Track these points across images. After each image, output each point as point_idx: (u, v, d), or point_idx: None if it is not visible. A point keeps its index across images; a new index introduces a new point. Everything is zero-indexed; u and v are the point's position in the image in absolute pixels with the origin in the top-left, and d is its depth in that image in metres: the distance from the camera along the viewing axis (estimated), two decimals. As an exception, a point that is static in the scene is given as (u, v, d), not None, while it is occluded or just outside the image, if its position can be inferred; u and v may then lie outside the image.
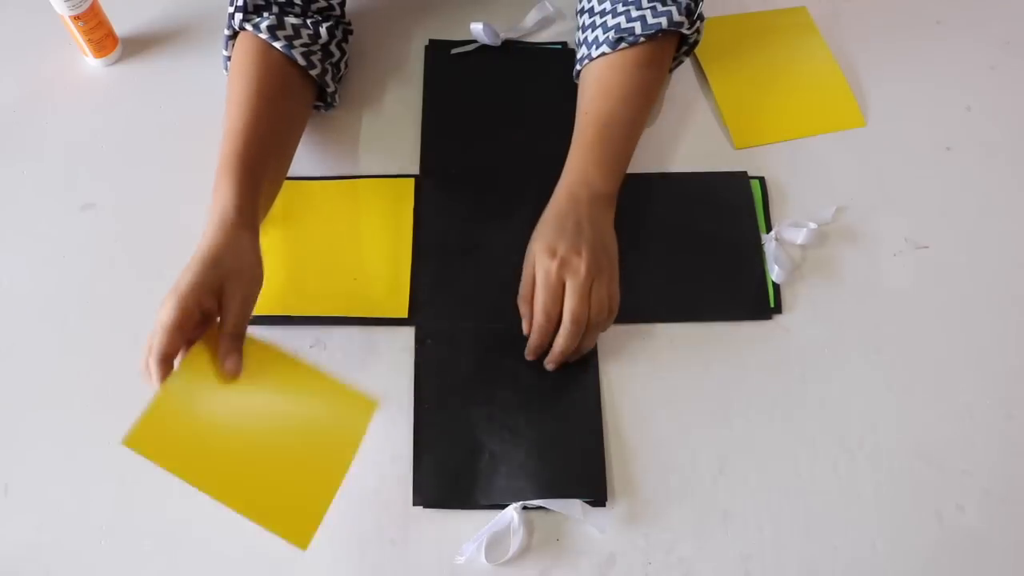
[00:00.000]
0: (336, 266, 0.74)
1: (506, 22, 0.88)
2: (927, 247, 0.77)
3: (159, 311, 0.58)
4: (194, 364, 0.60)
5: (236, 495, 0.57)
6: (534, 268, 0.66)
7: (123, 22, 0.87)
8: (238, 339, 0.61)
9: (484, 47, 0.86)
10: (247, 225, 0.64)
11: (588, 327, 0.66)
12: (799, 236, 0.75)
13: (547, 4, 0.88)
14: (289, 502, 0.58)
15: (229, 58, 0.74)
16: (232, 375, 0.60)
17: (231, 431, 0.59)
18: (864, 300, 0.74)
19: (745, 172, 0.79)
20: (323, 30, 0.75)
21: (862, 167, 0.81)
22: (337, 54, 0.78)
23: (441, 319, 0.71)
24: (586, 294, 0.65)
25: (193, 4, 0.90)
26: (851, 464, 0.66)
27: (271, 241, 0.75)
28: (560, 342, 0.66)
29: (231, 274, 0.62)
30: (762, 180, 0.79)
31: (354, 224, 0.76)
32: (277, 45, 0.71)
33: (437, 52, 0.86)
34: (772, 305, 0.73)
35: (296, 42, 0.72)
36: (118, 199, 0.78)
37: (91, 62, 0.85)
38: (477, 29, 0.85)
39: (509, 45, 0.87)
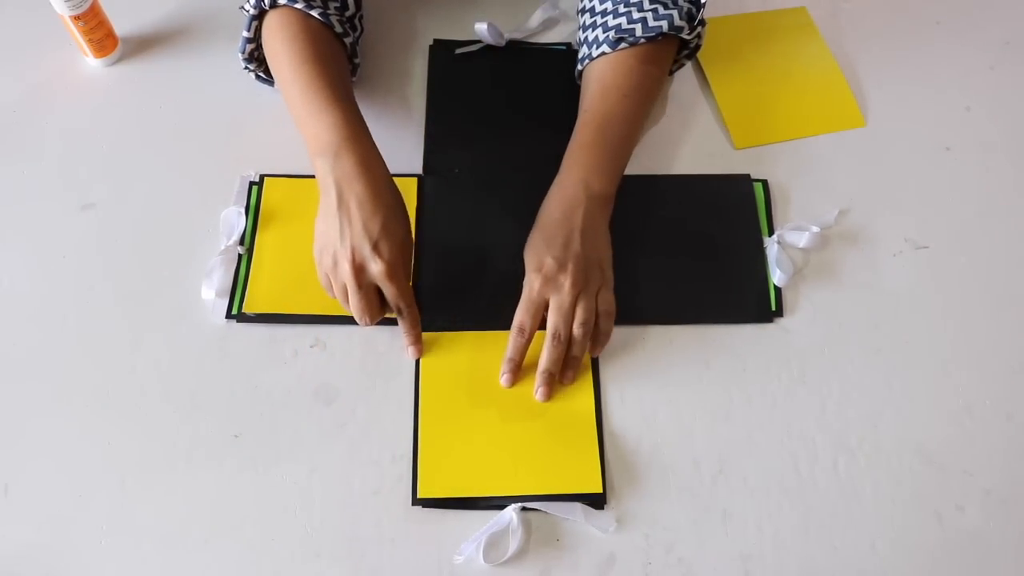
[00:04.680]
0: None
1: (510, 22, 0.88)
2: (927, 247, 0.77)
3: (375, 263, 0.63)
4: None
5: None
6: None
7: (123, 22, 0.87)
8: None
9: (488, 47, 0.86)
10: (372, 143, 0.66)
11: (572, 342, 0.67)
12: (801, 240, 0.75)
13: (551, 5, 0.88)
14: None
15: (250, 40, 0.75)
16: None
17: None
18: (864, 301, 0.74)
19: (748, 175, 0.79)
20: (351, 1, 0.76)
21: (862, 167, 0.81)
22: (359, 28, 0.79)
23: (441, 319, 0.71)
24: (568, 310, 0.66)
25: (193, 4, 0.90)
26: (851, 464, 0.66)
27: (271, 240, 0.75)
28: (541, 360, 0.67)
29: (402, 207, 0.66)
30: (765, 183, 0.79)
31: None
32: (314, 13, 0.71)
33: (441, 52, 0.86)
34: (773, 308, 0.73)
35: (329, 12, 0.73)
36: (118, 199, 0.78)
37: (91, 62, 0.85)
38: (481, 29, 0.85)
39: (513, 45, 0.87)
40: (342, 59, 0.75)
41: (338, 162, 0.64)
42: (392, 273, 0.63)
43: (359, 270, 0.63)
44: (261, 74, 0.79)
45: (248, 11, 0.73)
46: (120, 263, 0.74)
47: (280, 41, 0.71)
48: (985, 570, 0.63)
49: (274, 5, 0.72)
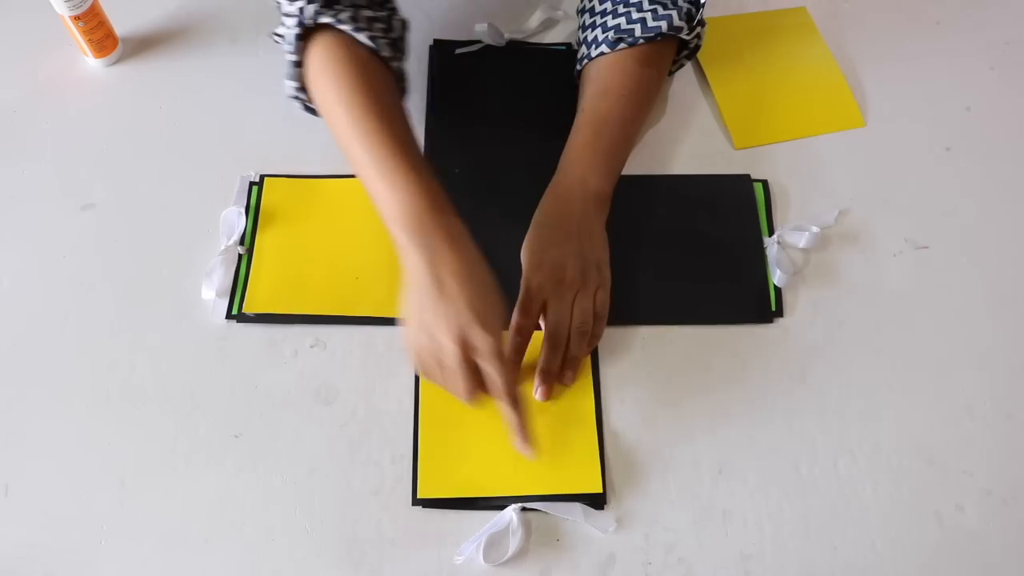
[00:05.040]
0: (337, 265, 0.74)
1: (510, 23, 0.88)
2: (927, 247, 0.77)
3: (483, 340, 0.58)
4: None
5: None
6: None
7: (123, 22, 0.86)
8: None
9: (488, 47, 0.86)
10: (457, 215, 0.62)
11: (569, 340, 0.66)
12: (801, 240, 0.75)
13: (552, 5, 0.88)
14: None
15: (297, 63, 0.68)
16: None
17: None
18: (864, 301, 0.74)
19: (748, 175, 0.79)
20: (396, 23, 0.72)
21: (862, 167, 0.81)
22: (404, 51, 0.74)
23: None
24: (566, 310, 0.66)
25: (193, 4, 0.90)
26: (851, 464, 0.66)
27: (271, 240, 0.75)
28: (540, 360, 0.67)
29: (494, 281, 0.62)
30: (765, 183, 0.79)
31: (356, 223, 0.76)
32: (362, 37, 0.66)
33: (441, 52, 0.86)
34: (773, 308, 0.73)
35: (376, 35, 0.68)
36: (118, 199, 0.78)
37: (91, 62, 0.85)
38: (481, 29, 0.85)
39: (513, 45, 0.87)
40: (397, 97, 0.70)
41: (425, 236, 0.60)
42: (499, 351, 0.58)
43: (464, 348, 0.58)
44: (310, 105, 0.71)
45: (284, 37, 0.68)
46: (120, 263, 0.74)
47: (328, 79, 0.66)
48: (985, 570, 0.63)
49: (319, 20, 0.65)
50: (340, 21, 0.66)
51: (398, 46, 0.72)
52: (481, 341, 0.58)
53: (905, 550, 0.63)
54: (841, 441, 0.67)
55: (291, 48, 0.67)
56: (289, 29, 0.67)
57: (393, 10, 0.73)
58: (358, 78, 0.65)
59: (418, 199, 0.61)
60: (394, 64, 0.70)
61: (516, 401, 0.60)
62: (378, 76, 0.68)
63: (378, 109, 0.65)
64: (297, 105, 0.72)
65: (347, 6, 0.67)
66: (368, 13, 0.69)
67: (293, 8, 0.66)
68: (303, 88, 0.70)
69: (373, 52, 0.67)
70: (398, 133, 0.64)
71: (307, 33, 0.67)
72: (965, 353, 0.72)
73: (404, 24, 0.73)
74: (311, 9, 0.65)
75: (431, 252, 0.60)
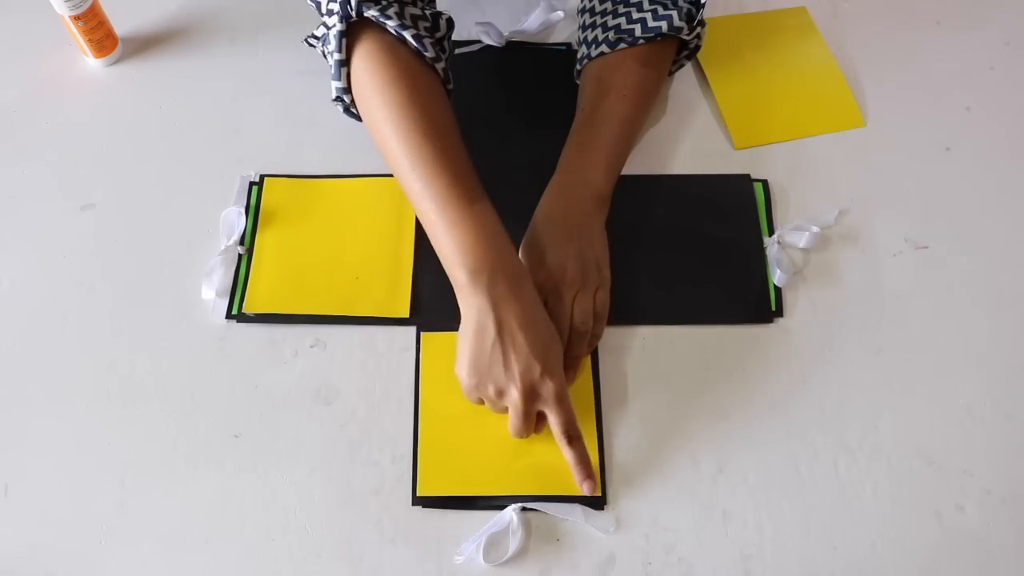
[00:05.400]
0: (337, 265, 0.74)
1: (510, 22, 0.88)
2: (927, 247, 0.77)
3: (546, 386, 0.60)
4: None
5: None
6: None
7: (123, 22, 0.87)
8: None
9: (488, 47, 0.86)
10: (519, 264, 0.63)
11: (569, 340, 0.66)
12: (801, 240, 0.75)
13: (551, 5, 0.88)
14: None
15: (343, 62, 0.66)
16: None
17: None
18: (864, 301, 0.74)
19: (748, 175, 0.79)
20: (442, 22, 0.70)
21: (862, 167, 0.81)
22: (448, 50, 0.72)
23: (442, 319, 0.71)
24: (564, 310, 0.66)
25: (193, 4, 0.90)
26: (851, 464, 0.66)
27: (271, 240, 0.75)
28: None
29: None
30: (765, 183, 0.79)
31: (356, 223, 0.76)
32: (406, 35, 0.64)
33: (439, 52, 0.86)
34: (773, 308, 0.73)
35: (421, 34, 0.66)
36: (118, 199, 0.78)
37: (91, 62, 0.85)
38: (481, 29, 0.84)
39: (513, 45, 0.87)
40: (446, 106, 0.68)
41: (494, 282, 0.60)
42: (562, 395, 0.61)
43: (530, 396, 0.60)
44: (353, 109, 0.70)
45: (325, 36, 0.66)
46: (120, 263, 0.74)
47: (374, 87, 0.64)
48: (985, 570, 0.63)
49: (362, 14, 0.63)
50: (387, 16, 0.64)
51: (443, 45, 0.71)
52: (546, 389, 0.60)
53: (905, 550, 0.63)
54: (841, 441, 0.67)
55: (334, 47, 0.65)
56: (332, 27, 0.65)
57: (437, 10, 0.71)
58: (405, 89, 0.64)
59: (481, 242, 0.61)
60: (439, 65, 0.68)
61: (576, 439, 0.62)
62: (425, 84, 0.66)
63: (431, 130, 0.63)
64: (339, 108, 0.71)
65: (393, 1, 0.66)
66: (414, 11, 0.67)
67: (335, 5, 0.64)
68: (348, 89, 0.68)
69: (418, 53, 0.66)
70: (453, 159, 0.63)
71: (350, 29, 0.65)
72: (965, 353, 0.71)
73: (450, 23, 0.71)
74: (355, 0, 0.63)
75: (494, 299, 0.60)
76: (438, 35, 0.70)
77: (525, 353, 0.60)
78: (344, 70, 0.67)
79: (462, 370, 0.62)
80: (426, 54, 0.66)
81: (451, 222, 0.62)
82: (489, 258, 0.61)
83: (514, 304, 0.60)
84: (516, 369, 0.60)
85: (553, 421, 0.62)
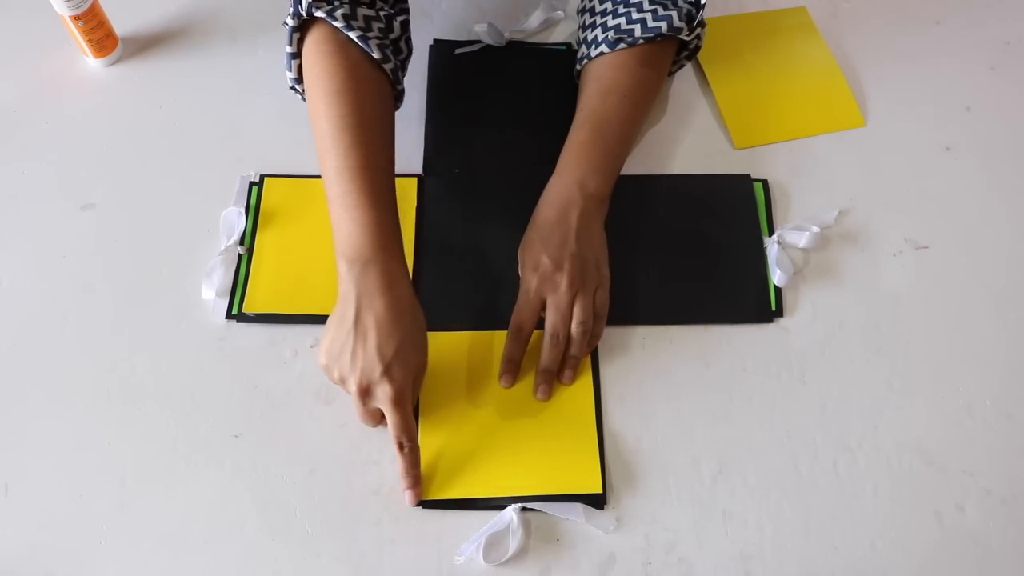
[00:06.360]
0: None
1: (510, 22, 0.88)
2: (927, 247, 0.77)
3: (382, 389, 0.61)
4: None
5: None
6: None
7: (123, 22, 0.87)
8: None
9: (488, 47, 0.86)
10: (402, 259, 0.64)
11: (570, 341, 0.67)
12: (801, 239, 0.75)
13: (551, 5, 0.88)
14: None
15: (294, 55, 0.70)
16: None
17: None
18: (864, 301, 0.74)
19: (748, 175, 0.79)
20: (396, 23, 0.72)
21: (862, 167, 0.81)
22: (404, 51, 0.74)
23: (442, 319, 0.71)
24: (566, 309, 0.66)
25: (193, 4, 0.90)
26: (851, 464, 0.66)
27: (271, 240, 0.75)
28: (540, 359, 0.67)
29: (422, 331, 0.64)
30: (765, 183, 0.79)
31: (354, 224, 0.76)
32: (353, 35, 0.67)
33: (441, 52, 0.86)
34: (773, 308, 0.73)
35: (370, 34, 0.68)
36: (118, 199, 0.78)
37: (91, 62, 0.85)
38: (481, 29, 0.85)
39: (513, 45, 0.87)
40: (384, 105, 0.69)
41: (364, 274, 0.62)
42: (398, 400, 0.61)
43: (365, 393, 0.61)
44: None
45: (290, 21, 0.69)
46: (120, 263, 0.74)
47: (314, 76, 0.67)
48: (985, 570, 0.63)
49: (313, 14, 0.67)
50: (333, 17, 0.66)
51: (397, 47, 0.72)
52: (382, 391, 0.61)
53: (905, 550, 0.63)
54: (841, 441, 0.67)
55: (287, 40, 0.69)
56: (291, 21, 0.68)
57: (399, 10, 0.73)
58: (344, 82, 0.66)
59: (364, 235, 0.63)
60: (387, 66, 0.69)
61: (407, 447, 0.62)
62: (366, 80, 0.68)
63: (355, 123, 0.65)
64: (298, 96, 0.74)
65: (345, 2, 0.68)
66: (367, 12, 0.69)
67: (291, 4, 0.67)
68: (300, 79, 0.71)
69: (365, 52, 0.68)
70: (368, 155, 0.65)
71: (304, 25, 0.69)
72: (965, 353, 0.71)
73: (404, 24, 0.73)
74: (307, 1, 0.66)
75: (360, 291, 0.62)
76: (392, 36, 0.71)
77: (371, 351, 0.60)
78: (296, 62, 0.70)
79: (320, 349, 0.63)
80: (372, 55, 0.68)
81: (345, 209, 0.63)
82: (366, 252, 0.62)
83: (378, 300, 0.61)
84: (359, 364, 0.61)
85: (389, 423, 0.62)
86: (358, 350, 0.61)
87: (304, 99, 0.72)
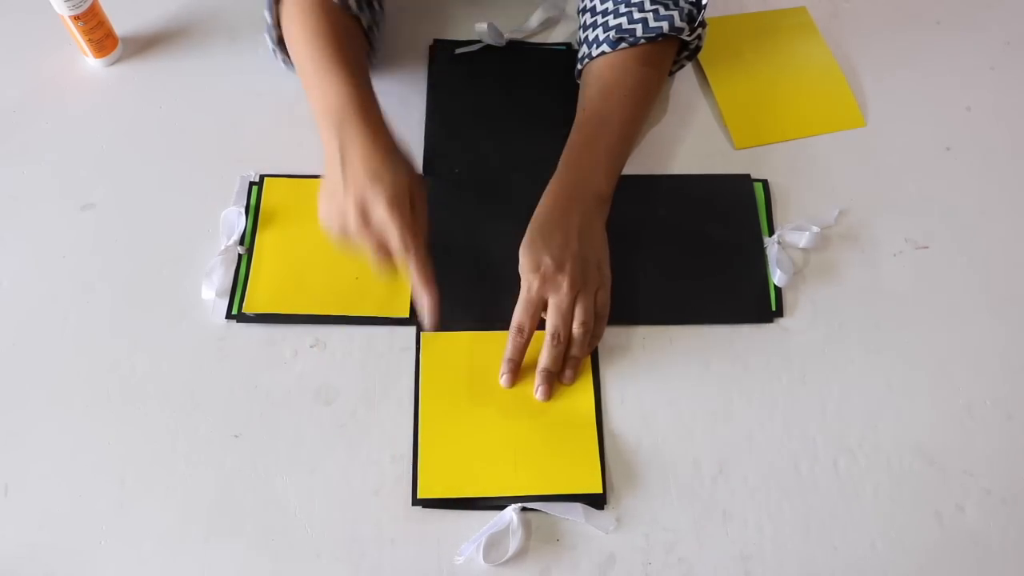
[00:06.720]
0: (337, 265, 0.73)
1: (510, 22, 0.88)
2: (927, 247, 0.77)
3: (377, 197, 0.61)
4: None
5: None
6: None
7: (123, 22, 0.87)
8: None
9: (488, 47, 0.86)
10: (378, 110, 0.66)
11: (571, 341, 0.67)
12: (802, 240, 0.75)
13: (552, 5, 0.88)
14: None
15: (274, 25, 0.73)
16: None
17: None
18: (864, 301, 0.74)
19: (748, 175, 0.79)
20: None
21: (862, 167, 0.81)
22: (378, 9, 0.78)
23: (442, 319, 0.71)
24: (567, 310, 0.66)
25: (193, 4, 0.90)
26: (851, 464, 0.66)
27: (271, 240, 0.75)
28: (541, 359, 0.67)
29: (409, 156, 0.66)
30: (765, 183, 0.79)
31: (355, 224, 0.76)
32: None
33: (441, 52, 0.86)
34: (773, 308, 0.73)
35: None
36: (118, 199, 0.78)
37: (91, 62, 0.85)
38: (481, 29, 0.85)
39: (513, 45, 0.87)
40: (358, 38, 0.74)
41: (343, 126, 0.64)
42: (393, 202, 0.61)
43: (362, 211, 0.62)
44: (288, 60, 0.77)
45: None
46: (120, 263, 0.74)
47: (297, 25, 0.70)
48: (985, 570, 0.63)
49: None
50: None
51: (372, 6, 0.76)
52: (375, 197, 0.61)
53: (905, 550, 0.63)
54: (841, 441, 0.67)
55: (268, 5, 0.72)
56: None
57: None
58: (320, 19, 0.69)
59: (344, 98, 0.65)
60: (363, 18, 0.73)
61: (412, 247, 0.62)
62: (342, 24, 0.71)
63: (331, 36, 0.68)
64: (279, 61, 0.78)
65: None
66: None
67: None
68: (280, 45, 0.75)
69: (342, 8, 0.71)
70: (344, 52, 0.68)
71: None
72: (965, 353, 0.71)
73: None
74: None
75: (344, 138, 0.64)
76: None
77: (359, 171, 0.62)
78: (276, 31, 0.74)
79: (319, 198, 0.65)
80: (351, 10, 0.72)
81: (326, 87, 0.66)
82: (347, 110, 0.65)
83: (359, 141, 0.63)
84: (351, 188, 0.62)
85: (390, 230, 0.62)
86: (348, 179, 0.62)
87: (285, 62, 0.76)
